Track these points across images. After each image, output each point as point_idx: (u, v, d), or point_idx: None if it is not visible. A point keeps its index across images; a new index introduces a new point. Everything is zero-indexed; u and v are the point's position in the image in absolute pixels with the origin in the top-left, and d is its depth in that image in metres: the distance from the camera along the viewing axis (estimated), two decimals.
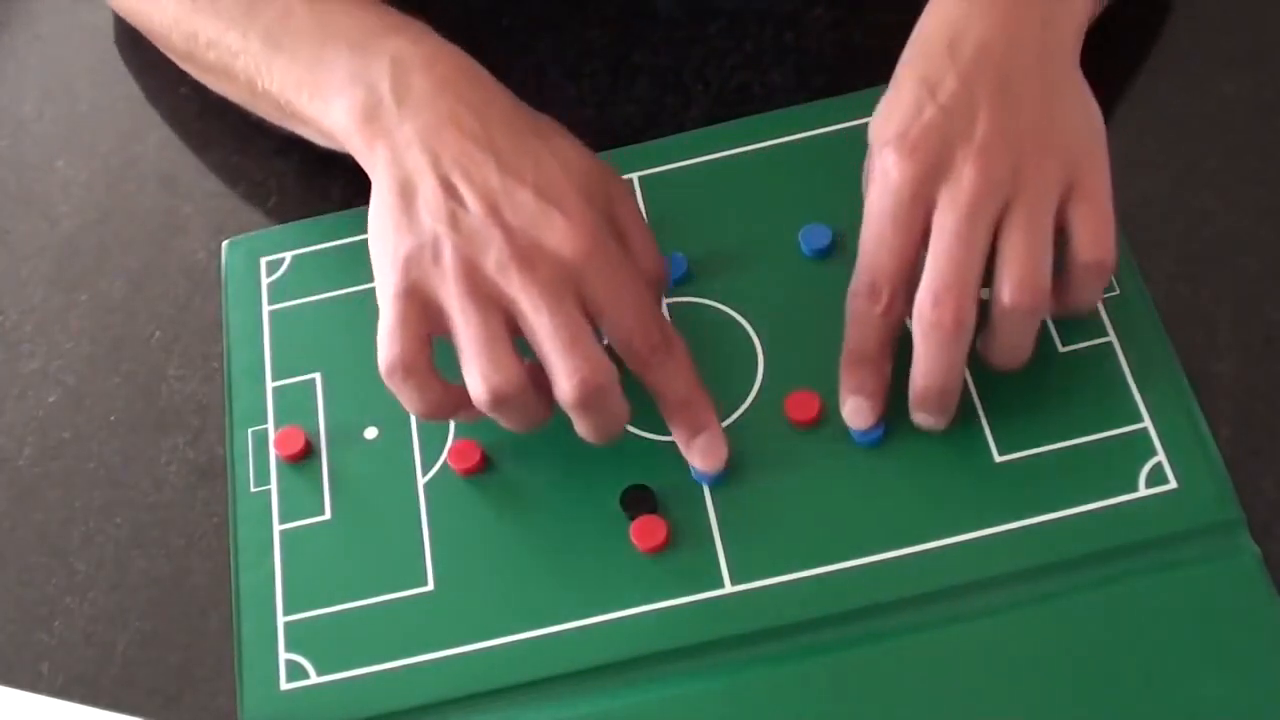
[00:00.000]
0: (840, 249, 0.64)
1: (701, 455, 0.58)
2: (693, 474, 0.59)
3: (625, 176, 0.68)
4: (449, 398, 0.57)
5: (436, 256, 0.55)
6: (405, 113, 0.58)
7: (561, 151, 0.58)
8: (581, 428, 0.57)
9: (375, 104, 0.58)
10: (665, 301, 0.64)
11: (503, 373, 0.54)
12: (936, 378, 0.56)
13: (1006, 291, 0.54)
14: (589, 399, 0.55)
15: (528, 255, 0.54)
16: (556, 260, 0.54)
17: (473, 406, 0.56)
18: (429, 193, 0.56)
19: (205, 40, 0.66)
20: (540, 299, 0.54)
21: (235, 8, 0.65)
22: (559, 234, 0.55)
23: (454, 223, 0.55)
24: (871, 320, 0.57)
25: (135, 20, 0.73)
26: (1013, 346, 0.57)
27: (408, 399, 0.57)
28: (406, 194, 0.56)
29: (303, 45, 0.62)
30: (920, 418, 0.58)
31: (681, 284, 0.64)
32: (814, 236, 0.64)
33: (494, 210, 0.55)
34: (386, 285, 0.56)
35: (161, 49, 0.72)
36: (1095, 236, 0.56)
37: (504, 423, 0.57)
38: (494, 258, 0.55)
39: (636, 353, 0.56)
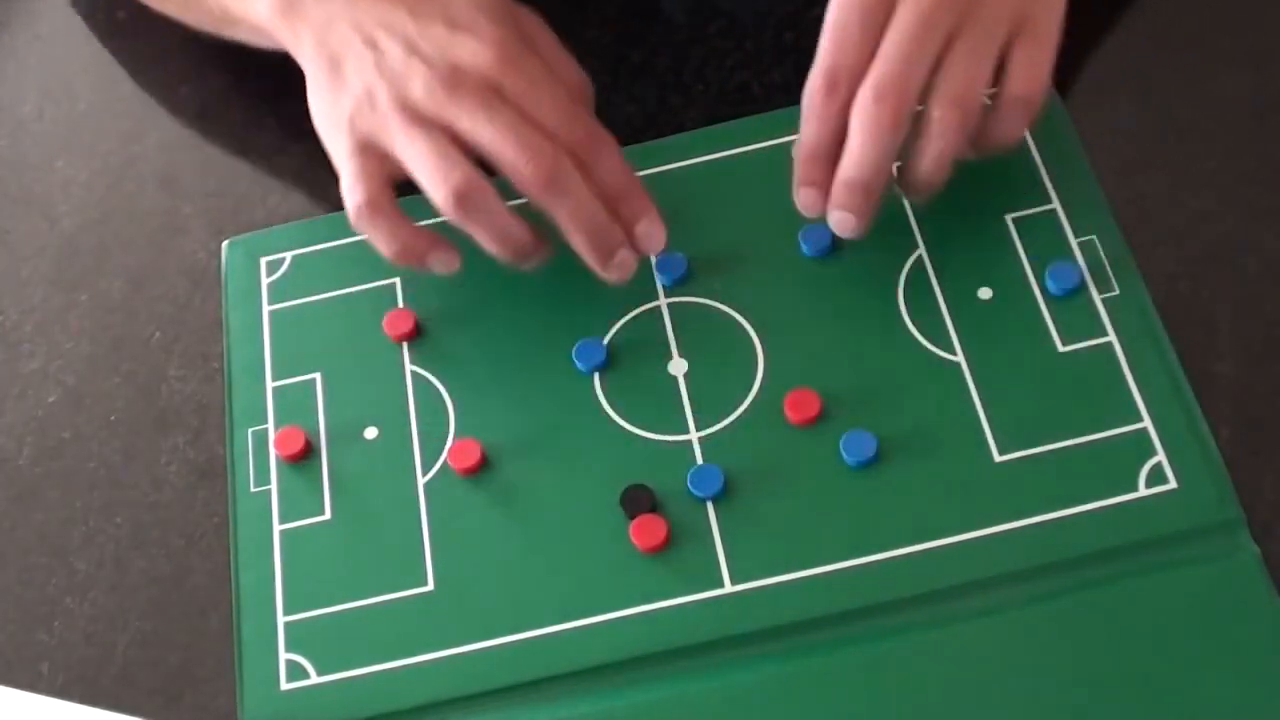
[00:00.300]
0: (840, 249, 0.64)
1: (645, 239, 0.61)
2: (690, 487, 0.59)
3: None
4: (419, 237, 0.61)
5: (373, 105, 0.59)
6: None
7: None
8: (559, 217, 0.59)
9: None
10: (666, 301, 0.64)
11: (458, 169, 0.58)
12: (866, 169, 0.58)
13: (938, 104, 0.57)
14: (550, 184, 0.58)
15: (449, 77, 0.58)
16: (475, 74, 0.58)
17: (444, 246, 0.61)
18: (354, 55, 0.60)
19: None
20: (473, 108, 0.58)
21: None
22: (472, 52, 0.58)
23: (380, 71, 0.59)
24: (829, 115, 0.59)
25: None
26: (932, 162, 0.59)
27: (380, 239, 0.61)
28: (335, 64, 0.60)
29: None
30: (838, 216, 0.60)
31: (681, 283, 0.65)
32: (815, 237, 0.64)
33: (412, 48, 0.59)
34: (339, 149, 0.60)
35: None
36: (1029, 73, 0.58)
37: (479, 236, 0.60)
38: (420, 87, 0.58)
39: (565, 146, 0.59)
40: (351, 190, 0.60)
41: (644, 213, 0.61)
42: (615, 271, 0.61)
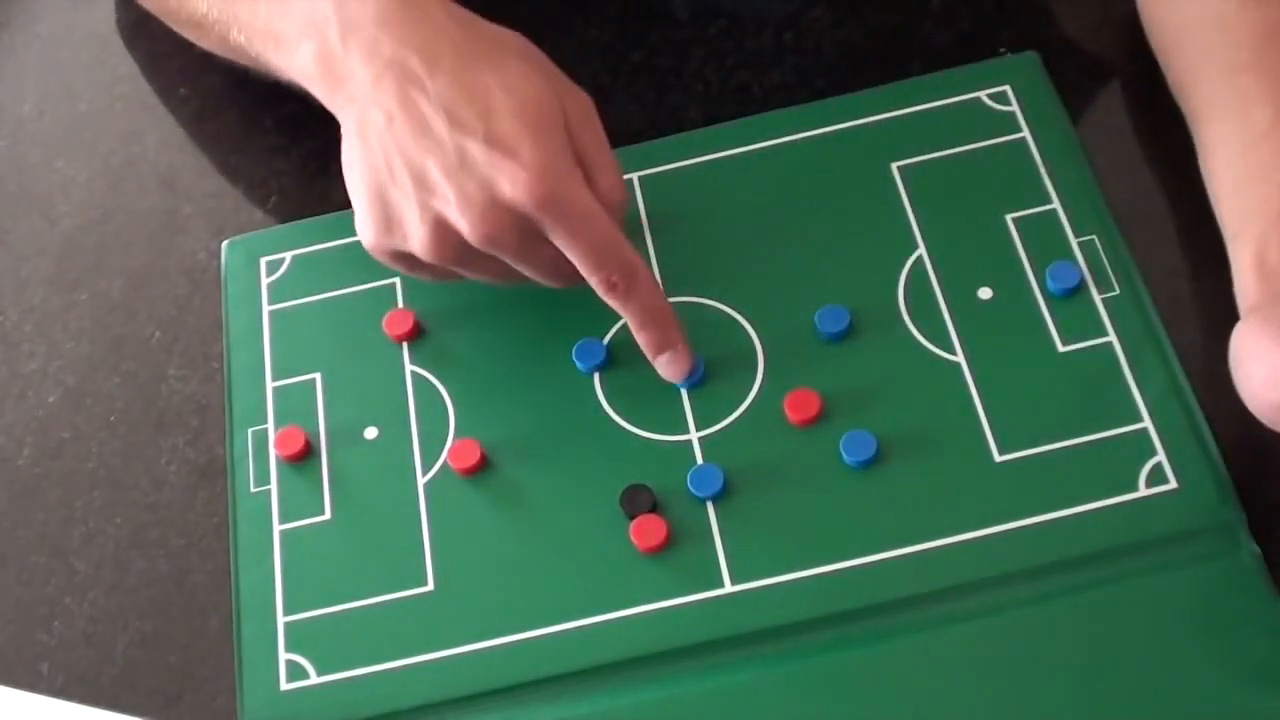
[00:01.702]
0: (841, 249, 0.64)
1: (666, 370, 0.61)
2: (690, 487, 0.59)
3: (625, 176, 0.68)
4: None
5: (399, 221, 0.57)
6: (353, 61, 0.58)
7: (516, 83, 0.57)
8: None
9: (329, 52, 0.59)
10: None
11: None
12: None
13: None
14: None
15: (487, 213, 0.56)
16: (511, 211, 0.56)
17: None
18: (386, 153, 0.57)
19: (175, 2, 0.67)
20: (512, 253, 0.57)
21: None
22: (511, 181, 0.55)
23: (420, 184, 0.56)
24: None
25: None
26: None
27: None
28: (369, 149, 0.58)
29: None
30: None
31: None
32: (831, 319, 0.62)
33: (448, 171, 0.56)
34: (363, 242, 0.59)
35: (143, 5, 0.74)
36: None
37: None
38: (458, 223, 0.56)
39: (601, 284, 0.58)
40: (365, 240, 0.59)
41: (670, 345, 0.60)
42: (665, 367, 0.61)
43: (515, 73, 0.57)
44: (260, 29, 0.63)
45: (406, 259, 0.59)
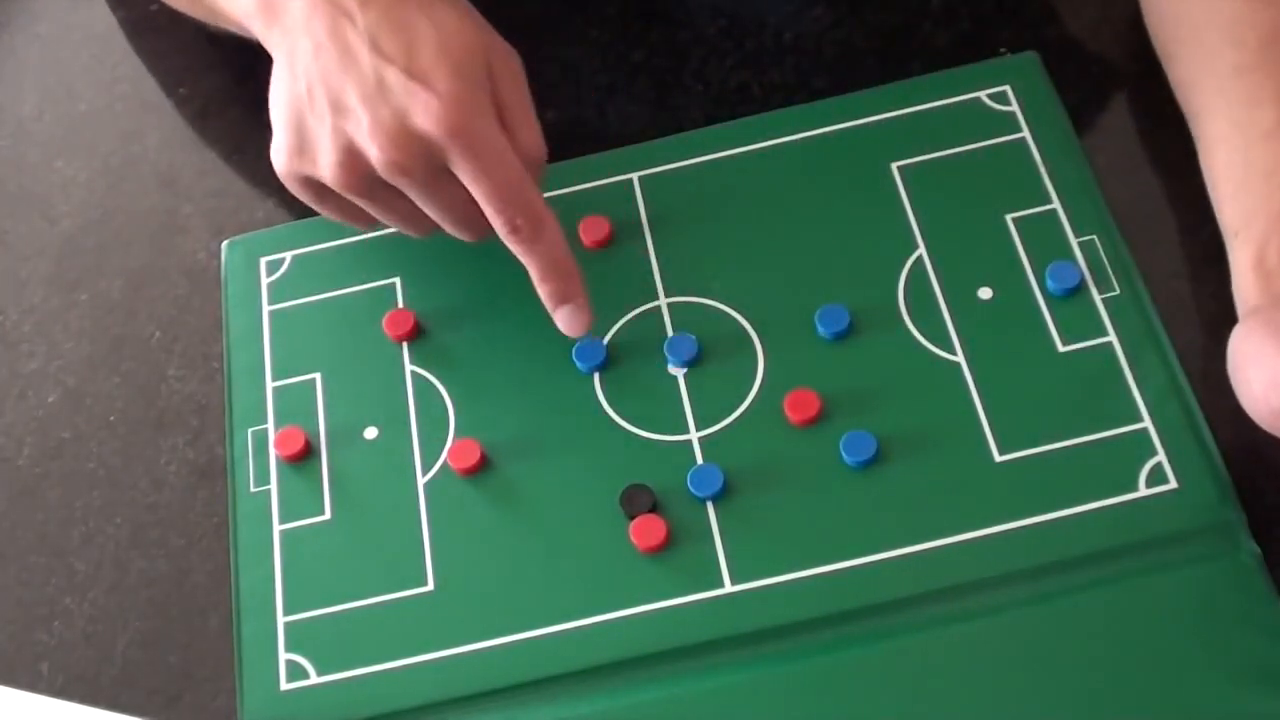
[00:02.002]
0: (841, 249, 0.64)
1: (565, 323, 0.61)
2: (690, 487, 0.59)
3: (625, 176, 0.68)
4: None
5: (311, 146, 0.58)
6: None
7: (444, 23, 0.58)
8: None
9: None
10: (666, 301, 0.64)
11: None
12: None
13: None
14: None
15: (397, 138, 0.56)
16: (421, 140, 0.56)
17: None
18: (308, 79, 0.58)
19: None
20: (416, 186, 0.57)
21: None
22: (424, 109, 0.56)
23: (336, 108, 0.57)
24: None
25: None
26: None
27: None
28: (295, 77, 0.58)
29: None
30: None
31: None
32: (831, 319, 0.62)
33: (365, 97, 0.56)
34: (275, 167, 0.59)
35: None
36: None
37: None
38: (368, 149, 0.56)
39: (504, 228, 0.58)
40: (278, 162, 0.60)
41: (570, 299, 0.60)
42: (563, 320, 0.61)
43: (445, 14, 0.58)
44: None
45: (316, 187, 0.59)
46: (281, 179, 0.60)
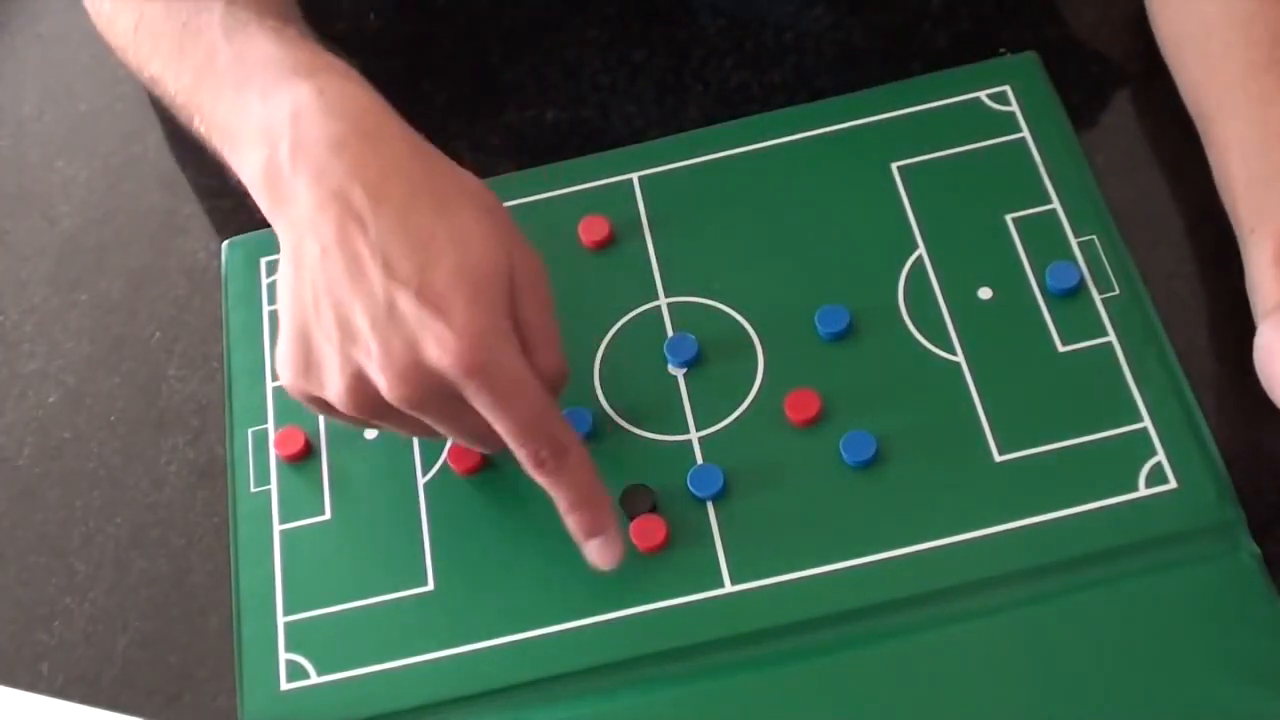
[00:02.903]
0: (841, 249, 0.64)
1: (596, 556, 0.56)
2: (690, 487, 0.59)
3: (625, 176, 0.68)
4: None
5: (319, 366, 0.54)
6: (299, 182, 0.54)
7: (463, 236, 0.53)
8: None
9: (276, 167, 0.55)
10: (666, 301, 0.64)
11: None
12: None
13: None
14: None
15: (408, 374, 0.52)
16: (434, 375, 0.52)
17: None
18: (315, 290, 0.53)
19: (150, 76, 0.64)
20: (433, 416, 0.54)
21: (169, 45, 0.61)
22: (437, 347, 0.51)
23: (344, 331, 0.53)
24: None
25: (103, 35, 0.70)
26: None
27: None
28: (300, 282, 0.54)
29: (224, 89, 0.58)
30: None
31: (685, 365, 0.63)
32: (831, 319, 0.62)
33: (375, 322, 0.52)
34: (279, 378, 0.56)
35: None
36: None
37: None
38: (371, 373, 0.53)
39: (526, 461, 0.54)
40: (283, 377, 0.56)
41: (600, 531, 0.56)
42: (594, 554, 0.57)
43: (466, 223, 0.53)
44: (219, 124, 0.59)
45: (320, 404, 0.55)
46: (287, 391, 0.56)
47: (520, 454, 0.54)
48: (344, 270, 0.53)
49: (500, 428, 0.53)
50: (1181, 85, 0.63)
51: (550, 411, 0.54)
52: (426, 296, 0.52)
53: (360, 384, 0.53)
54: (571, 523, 0.56)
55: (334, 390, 0.54)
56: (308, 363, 0.54)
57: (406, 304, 0.52)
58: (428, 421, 0.55)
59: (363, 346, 0.52)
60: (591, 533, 0.56)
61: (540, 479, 0.55)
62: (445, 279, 0.52)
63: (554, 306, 0.56)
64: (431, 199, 0.54)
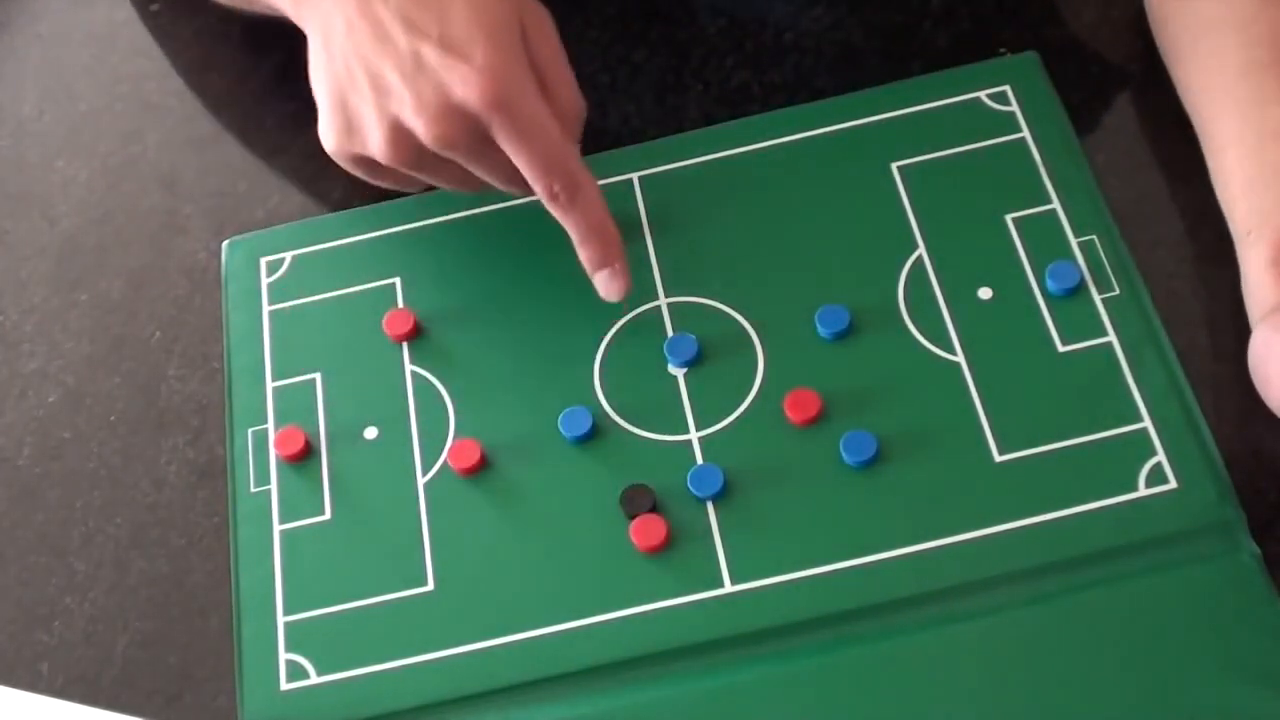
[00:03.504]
0: (841, 249, 0.64)
1: (603, 288, 0.62)
2: (690, 487, 0.59)
3: (625, 176, 0.68)
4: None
5: (359, 126, 0.59)
6: None
7: None
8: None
9: None
10: (666, 301, 0.64)
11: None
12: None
13: None
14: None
15: (440, 115, 0.57)
16: (463, 113, 0.57)
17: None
18: (346, 59, 0.59)
19: None
20: (462, 156, 0.58)
21: None
22: (463, 82, 0.56)
23: (377, 88, 0.58)
24: None
25: None
26: None
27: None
28: (331, 56, 0.59)
29: None
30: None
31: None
32: (831, 319, 0.62)
33: (404, 74, 0.57)
34: (325, 147, 0.61)
35: None
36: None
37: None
38: (408, 120, 0.57)
39: (545, 192, 0.59)
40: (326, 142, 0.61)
41: (609, 263, 0.61)
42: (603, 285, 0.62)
43: None
44: None
45: (367, 163, 0.61)
46: (332, 157, 0.61)
47: (537, 188, 0.59)
48: (370, 36, 0.58)
49: (520, 162, 0.58)
50: (1179, 86, 0.63)
51: (566, 149, 0.59)
52: (448, 44, 0.57)
53: (399, 132, 0.58)
54: (583, 255, 0.61)
55: (375, 142, 0.58)
56: (349, 124, 0.59)
57: (430, 54, 0.57)
58: (462, 162, 0.59)
59: (397, 97, 0.57)
60: (600, 264, 0.61)
61: (555, 212, 0.60)
62: (462, 27, 0.57)
63: (564, 52, 0.61)
64: None
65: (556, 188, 0.59)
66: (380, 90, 0.58)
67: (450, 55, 0.57)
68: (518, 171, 0.59)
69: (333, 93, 0.59)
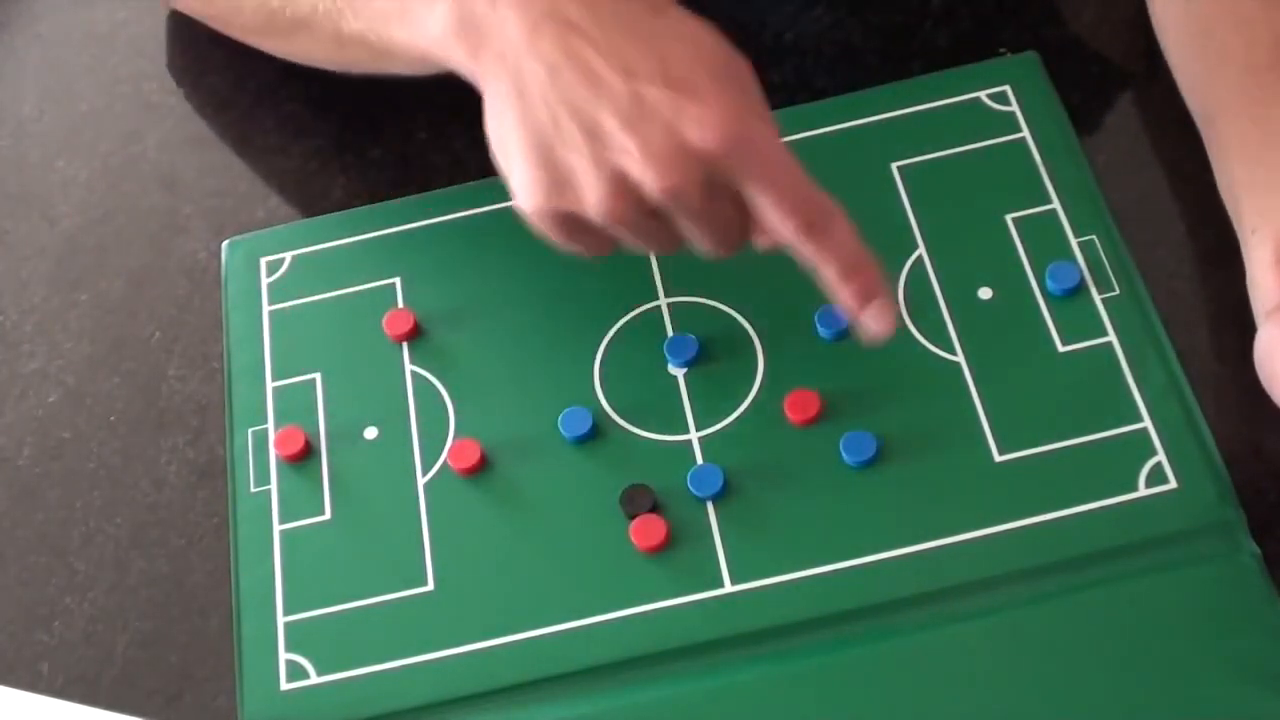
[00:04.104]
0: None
1: (874, 322, 0.55)
2: (690, 487, 0.59)
3: None
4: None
5: (570, 180, 0.53)
6: (504, 15, 0.54)
7: (687, 30, 0.54)
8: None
9: (469, 11, 0.55)
10: (666, 301, 0.64)
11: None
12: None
13: None
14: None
15: (669, 160, 0.51)
16: (699, 157, 0.51)
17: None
18: (550, 108, 0.53)
19: (279, 2, 0.64)
20: (697, 211, 0.53)
21: None
22: (698, 127, 0.51)
23: (592, 137, 0.52)
24: None
25: (201, 9, 0.72)
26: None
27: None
28: (528, 106, 0.53)
29: None
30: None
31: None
32: (831, 319, 0.62)
33: (627, 120, 0.51)
34: (524, 205, 0.54)
35: (232, 31, 0.71)
36: None
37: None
38: (634, 171, 0.52)
39: (799, 229, 0.53)
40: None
41: (876, 293, 0.55)
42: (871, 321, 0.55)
43: (682, 18, 0.54)
44: (381, 11, 0.59)
45: (570, 222, 0.54)
46: (533, 217, 0.54)
47: (790, 224, 0.53)
48: (580, 80, 0.52)
49: (770, 199, 0.52)
50: (1183, 86, 0.63)
51: (810, 179, 0.53)
52: (674, 83, 0.52)
53: (621, 185, 0.52)
54: (847, 293, 0.54)
55: (594, 197, 0.52)
56: (557, 180, 0.53)
57: (655, 94, 0.51)
58: (684, 218, 0.54)
59: (618, 147, 0.52)
60: (868, 296, 0.55)
61: (812, 246, 0.54)
62: (686, 65, 0.52)
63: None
64: (641, 4, 0.54)
65: (814, 218, 0.53)
66: (597, 140, 0.52)
67: (680, 95, 0.51)
68: (734, 226, 0.54)
69: (534, 146, 0.53)
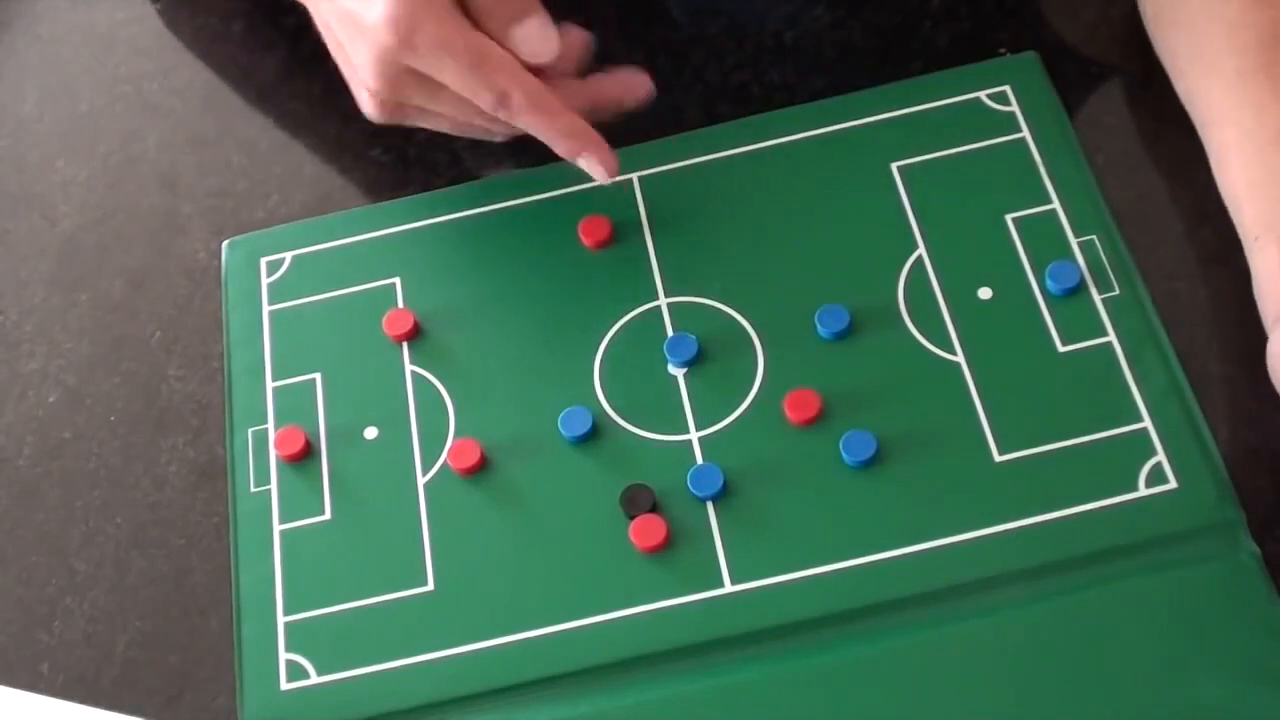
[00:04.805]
0: (840, 249, 0.64)
1: (590, 170, 0.62)
2: (690, 487, 0.59)
3: (625, 176, 0.68)
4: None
5: (358, 97, 0.63)
6: None
7: None
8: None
9: None
10: (666, 301, 0.64)
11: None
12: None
13: None
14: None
15: (374, 75, 0.59)
16: (392, 64, 0.59)
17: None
18: (331, 35, 0.63)
19: None
20: (409, 98, 0.61)
21: None
22: (374, 30, 0.58)
23: (341, 56, 0.62)
24: None
25: None
26: None
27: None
28: (328, 36, 0.63)
29: None
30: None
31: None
32: (831, 319, 0.62)
33: (349, 39, 0.60)
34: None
35: None
36: None
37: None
38: (365, 84, 0.61)
39: (493, 106, 0.59)
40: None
41: (584, 150, 0.62)
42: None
43: None
44: None
45: (414, 109, 0.62)
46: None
47: (482, 103, 0.59)
48: (335, 13, 0.61)
49: (455, 84, 0.59)
50: (1179, 92, 0.64)
51: (486, 62, 0.58)
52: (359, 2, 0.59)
53: (371, 96, 0.61)
54: (559, 151, 0.62)
55: (366, 110, 0.63)
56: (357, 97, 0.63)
57: (354, 10, 0.59)
58: (429, 106, 0.61)
59: (349, 67, 0.62)
60: (572, 153, 0.62)
61: (522, 120, 0.60)
62: None
63: None
64: None
65: (488, 100, 0.59)
66: (345, 62, 0.62)
67: (362, 12, 0.58)
68: (472, 111, 0.60)
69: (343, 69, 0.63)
